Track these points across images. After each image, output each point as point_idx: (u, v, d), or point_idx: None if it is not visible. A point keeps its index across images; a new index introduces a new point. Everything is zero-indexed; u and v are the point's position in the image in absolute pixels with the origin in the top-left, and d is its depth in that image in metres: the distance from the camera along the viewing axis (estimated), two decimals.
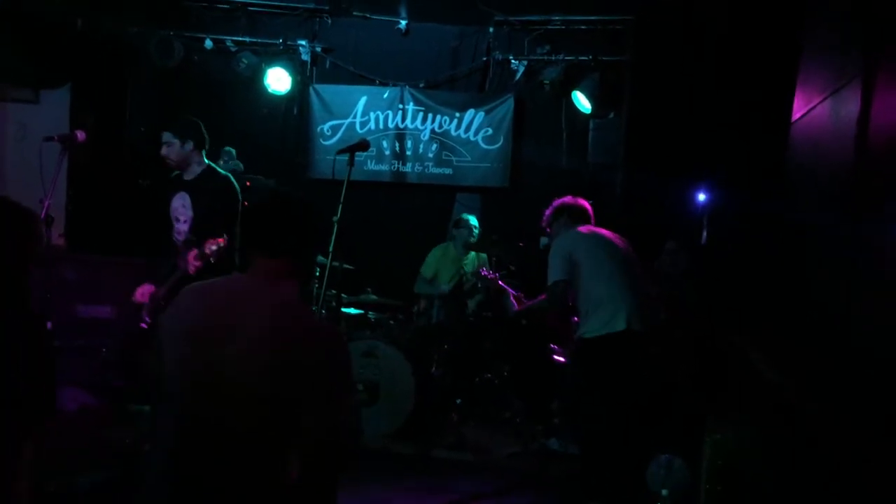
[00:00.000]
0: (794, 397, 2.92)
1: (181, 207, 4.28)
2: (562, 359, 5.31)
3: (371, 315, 5.92)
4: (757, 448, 3.55)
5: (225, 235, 3.90)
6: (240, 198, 4.30)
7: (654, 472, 4.36)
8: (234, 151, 6.47)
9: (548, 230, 4.77)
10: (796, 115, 3.17)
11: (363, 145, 3.83)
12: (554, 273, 4.39)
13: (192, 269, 3.89)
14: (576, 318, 4.52)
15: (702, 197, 4.50)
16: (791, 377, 3.02)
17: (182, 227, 4.25)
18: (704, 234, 5.27)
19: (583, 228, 4.52)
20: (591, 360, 4.34)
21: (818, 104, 2.98)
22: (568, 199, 4.70)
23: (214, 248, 3.83)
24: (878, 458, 2.25)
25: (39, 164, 3.79)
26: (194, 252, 3.88)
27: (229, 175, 4.39)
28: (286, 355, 2.04)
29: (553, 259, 4.46)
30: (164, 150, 4.29)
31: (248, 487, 2.03)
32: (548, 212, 4.72)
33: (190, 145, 4.27)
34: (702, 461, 4.05)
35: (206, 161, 4.39)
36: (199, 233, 4.08)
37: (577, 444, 5.19)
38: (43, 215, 3.81)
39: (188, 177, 4.32)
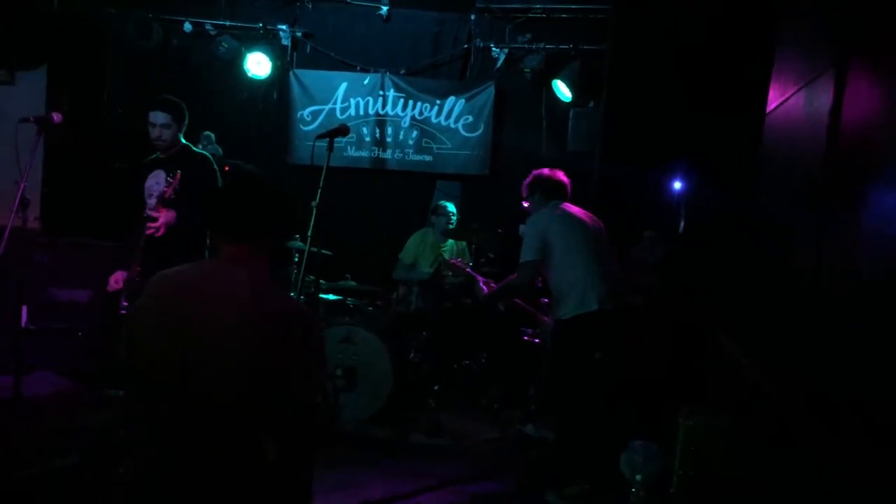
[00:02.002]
0: (766, 384, 2.96)
1: (154, 185, 4.28)
2: (536, 340, 5.34)
3: (350, 301, 5.93)
4: (729, 434, 3.60)
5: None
6: (217, 176, 4.31)
7: (629, 457, 4.41)
8: (213, 136, 6.43)
9: (525, 203, 4.76)
10: (771, 106, 3.21)
11: (343, 130, 3.83)
12: (527, 252, 4.44)
13: (150, 231, 4.04)
14: (546, 300, 4.55)
15: (678, 185, 4.54)
16: (763, 365, 3.07)
17: (152, 202, 4.23)
18: (682, 223, 5.32)
19: (557, 209, 4.54)
20: (567, 340, 4.40)
21: (792, 95, 3.02)
22: (545, 171, 4.69)
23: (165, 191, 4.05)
24: (846, 443, 2.29)
25: (15, 145, 3.75)
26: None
27: (206, 153, 4.41)
28: (261, 338, 2.05)
29: (527, 238, 4.50)
30: (157, 132, 4.29)
31: (227, 469, 2.05)
32: (526, 181, 4.72)
33: (182, 127, 4.33)
34: (675, 447, 4.11)
35: (183, 140, 4.41)
36: (174, 204, 4.11)
37: (553, 429, 5.24)
38: (18, 198, 3.79)
39: (164, 155, 4.34)
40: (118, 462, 2.19)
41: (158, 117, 4.31)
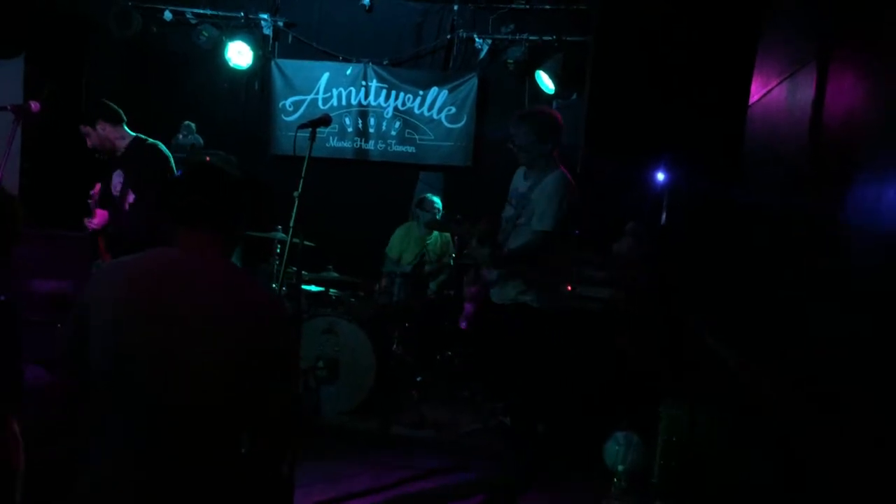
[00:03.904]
0: (747, 376, 2.98)
1: (118, 185, 4.35)
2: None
3: (332, 292, 5.91)
4: (710, 425, 3.63)
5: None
6: (170, 163, 4.35)
7: (611, 448, 4.44)
8: (193, 126, 6.38)
9: (523, 149, 4.05)
10: (753, 98, 3.22)
11: (325, 120, 3.80)
12: (547, 219, 3.87)
13: (93, 226, 4.32)
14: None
15: (661, 176, 4.55)
16: (745, 357, 3.08)
17: (117, 203, 4.33)
18: (664, 215, 5.33)
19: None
20: (551, 333, 4.26)
21: (774, 87, 3.03)
22: (557, 114, 4.16)
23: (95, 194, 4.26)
24: (829, 435, 2.31)
25: None
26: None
27: (157, 143, 4.44)
28: (238, 327, 2.02)
29: (552, 201, 3.88)
30: (88, 144, 4.37)
31: (203, 460, 2.02)
32: (539, 119, 4.07)
33: (103, 126, 4.35)
34: (656, 438, 4.14)
35: (130, 133, 4.42)
36: (132, 203, 4.21)
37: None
38: None
39: (119, 153, 4.39)
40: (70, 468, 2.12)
41: (81, 131, 4.43)
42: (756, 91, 3.20)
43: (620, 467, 4.29)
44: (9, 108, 3.85)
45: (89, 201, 4.31)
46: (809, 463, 2.39)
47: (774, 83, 3.01)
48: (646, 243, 5.41)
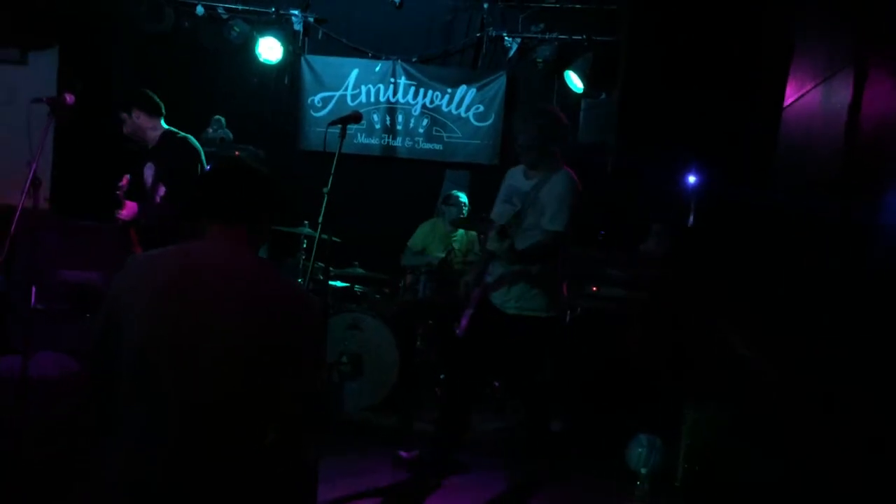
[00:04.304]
0: (773, 380, 2.96)
1: (150, 177, 4.40)
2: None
3: (357, 288, 5.93)
4: (734, 428, 3.60)
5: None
6: (200, 156, 4.40)
7: (634, 450, 4.42)
8: (223, 120, 6.43)
9: (527, 148, 4.04)
10: (788, 101, 3.19)
11: (355, 117, 3.82)
12: (561, 219, 3.88)
13: (124, 217, 4.34)
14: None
15: (692, 179, 4.52)
16: (772, 361, 3.06)
17: (148, 194, 4.38)
18: (692, 216, 5.30)
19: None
20: (552, 338, 4.27)
21: (809, 91, 3.00)
22: (562, 113, 4.19)
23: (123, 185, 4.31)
24: (853, 439, 2.29)
25: (27, 126, 3.75)
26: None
27: (188, 136, 4.48)
28: (265, 318, 2.04)
29: (565, 202, 3.90)
30: (124, 130, 4.42)
31: (228, 451, 2.03)
32: (547, 118, 4.05)
33: (138, 115, 4.40)
34: (680, 440, 4.12)
35: (164, 126, 4.46)
36: (164, 195, 4.26)
37: (560, 421, 5.25)
38: (30, 179, 3.79)
39: (151, 145, 4.43)
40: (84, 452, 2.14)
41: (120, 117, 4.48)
42: (791, 93, 3.17)
43: (643, 470, 4.27)
44: (44, 100, 3.88)
45: (118, 192, 4.36)
46: (833, 469, 2.37)
47: (810, 87, 2.98)
48: (671, 244, 5.39)
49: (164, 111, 4.52)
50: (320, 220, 3.59)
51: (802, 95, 3.06)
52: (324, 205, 3.56)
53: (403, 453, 4.39)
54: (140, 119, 4.42)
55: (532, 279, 3.98)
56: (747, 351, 3.36)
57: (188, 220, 4.25)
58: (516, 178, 4.24)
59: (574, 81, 6.54)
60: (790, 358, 2.92)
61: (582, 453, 4.88)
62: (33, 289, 5.10)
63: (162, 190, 4.42)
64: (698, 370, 4.42)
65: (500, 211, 4.19)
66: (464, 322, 4.12)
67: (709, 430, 3.85)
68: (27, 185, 3.79)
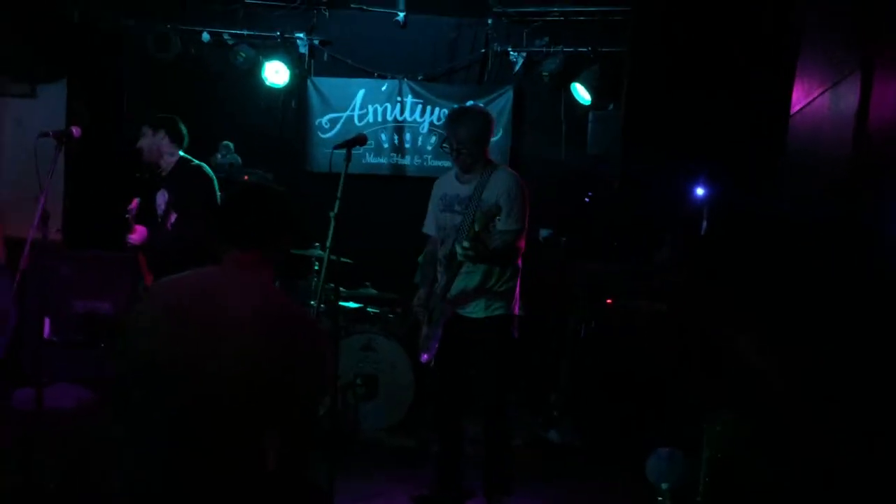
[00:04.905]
0: (787, 390, 2.92)
1: (162, 204, 4.42)
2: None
3: (370, 309, 5.91)
4: (756, 441, 3.55)
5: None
6: (214, 185, 4.42)
7: (654, 464, 4.37)
8: (231, 145, 6.45)
9: (454, 145, 3.95)
10: (795, 108, 3.15)
11: (360, 140, 3.83)
12: (522, 218, 3.89)
13: (134, 242, 4.36)
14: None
15: (700, 191, 4.49)
16: (784, 370, 3.02)
17: (161, 220, 4.40)
18: (704, 224, 5.26)
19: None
20: (515, 342, 4.16)
21: (817, 97, 2.96)
22: (489, 112, 4.24)
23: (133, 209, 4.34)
24: (873, 451, 2.25)
25: (35, 159, 3.77)
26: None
27: (202, 164, 4.50)
28: (265, 344, 2.06)
29: (519, 200, 3.89)
30: (139, 143, 4.43)
31: (228, 474, 2.05)
32: (480, 120, 3.99)
33: (163, 137, 4.44)
34: (701, 454, 4.06)
35: (181, 154, 4.49)
36: (176, 222, 4.26)
37: (577, 436, 5.20)
38: (39, 212, 3.81)
39: (164, 171, 4.46)
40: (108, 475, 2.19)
41: (141, 130, 4.52)
42: (798, 100, 3.13)
43: (664, 484, 4.21)
44: (51, 134, 3.91)
45: (127, 216, 4.37)
46: (858, 483, 2.32)
47: (817, 93, 2.95)
48: (684, 253, 5.35)
49: (186, 143, 4.55)
50: (328, 244, 3.58)
51: (810, 102, 3.03)
52: (331, 228, 3.55)
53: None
54: (162, 141, 4.46)
55: (497, 280, 3.93)
56: (760, 361, 3.31)
57: (208, 245, 4.29)
58: (449, 185, 4.13)
59: (581, 94, 6.53)
60: (800, 366, 2.87)
61: (600, 467, 4.83)
62: (46, 320, 5.13)
63: (174, 217, 4.43)
64: (717, 381, 4.37)
65: (442, 221, 4.09)
66: (434, 347, 3.95)
67: (730, 444, 3.78)
68: (37, 218, 3.81)
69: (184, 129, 4.56)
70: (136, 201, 4.44)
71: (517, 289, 4.03)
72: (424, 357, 4.01)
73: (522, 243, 3.95)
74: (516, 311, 4.05)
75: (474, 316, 3.95)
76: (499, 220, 3.72)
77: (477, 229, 3.60)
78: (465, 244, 3.65)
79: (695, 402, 4.43)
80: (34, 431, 3.93)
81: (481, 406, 4.12)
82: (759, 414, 3.46)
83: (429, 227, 4.25)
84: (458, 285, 3.93)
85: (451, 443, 4.19)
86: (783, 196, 3.45)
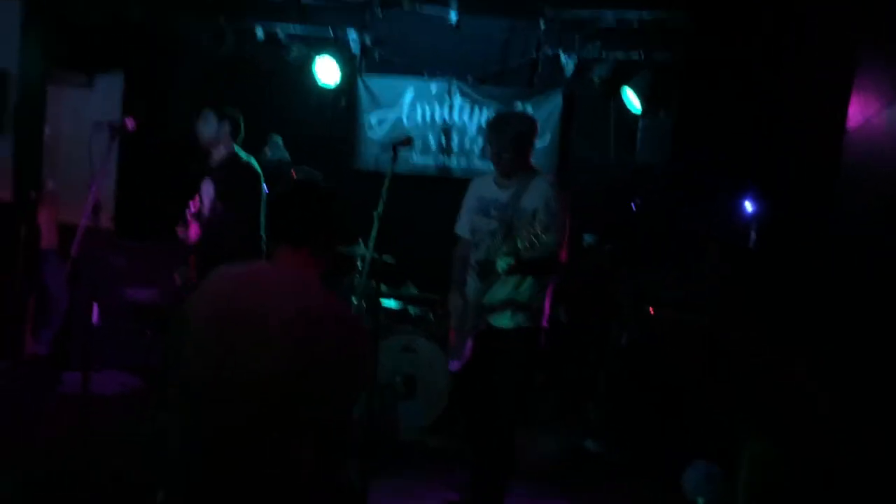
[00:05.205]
0: (833, 411, 2.85)
1: (207, 195, 4.49)
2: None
3: (411, 309, 5.93)
4: (796, 463, 3.48)
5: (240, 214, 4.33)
6: (260, 181, 4.46)
7: (691, 477, 4.31)
8: (280, 141, 6.52)
9: (494, 150, 3.90)
10: (851, 124, 3.08)
11: (406, 141, 3.84)
12: (557, 229, 3.68)
13: (187, 241, 4.38)
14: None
15: (749, 207, 4.40)
16: (833, 391, 2.95)
17: (205, 211, 4.44)
18: (752, 236, 5.17)
19: None
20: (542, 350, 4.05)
21: (875, 114, 2.89)
22: (533, 119, 4.18)
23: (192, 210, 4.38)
24: None
25: (89, 149, 3.86)
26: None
27: (251, 160, 4.55)
28: (308, 341, 2.07)
29: (561, 213, 3.78)
30: (198, 125, 4.49)
31: (264, 468, 2.06)
32: (524, 124, 3.99)
33: (226, 127, 4.52)
34: (738, 471, 3.99)
35: (235, 148, 4.55)
36: (219, 214, 4.32)
37: (615, 446, 5.15)
38: (91, 200, 3.90)
39: (214, 163, 4.52)
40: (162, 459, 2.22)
41: (204, 113, 4.60)
42: (854, 116, 3.06)
43: (700, 499, 4.16)
44: (105, 124, 4.00)
45: (187, 212, 4.44)
46: None
47: (874, 109, 2.87)
48: (730, 266, 5.26)
49: (241, 140, 4.62)
50: (371, 244, 3.61)
51: (867, 119, 2.95)
52: (375, 227, 3.58)
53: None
54: (222, 131, 4.52)
55: (527, 292, 3.83)
56: (809, 383, 3.24)
57: (248, 239, 4.35)
58: (487, 187, 4.03)
59: (632, 100, 6.46)
60: (855, 389, 2.81)
61: (635, 479, 4.79)
62: (95, 306, 5.25)
63: (219, 209, 4.49)
64: (760, 398, 4.29)
65: (477, 225, 4.01)
66: (465, 356, 3.86)
67: (769, 465, 3.71)
68: (88, 206, 3.90)
69: (243, 126, 4.63)
70: (197, 199, 4.49)
71: (546, 301, 3.93)
72: (455, 365, 3.94)
73: (564, 255, 3.83)
74: (544, 323, 3.94)
75: (501, 326, 3.85)
76: (540, 233, 3.58)
77: (520, 247, 3.52)
78: (509, 260, 3.57)
79: (733, 419, 4.36)
80: (81, 416, 4.01)
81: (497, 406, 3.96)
82: (803, 440, 3.39)
83: (462, 229, 4.17)
84: (490, 294, 3.84)
85: (484, 452, 4.08)
86: (838, 213, 3.37)
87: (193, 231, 4.39)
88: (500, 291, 3.81)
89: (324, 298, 2.20)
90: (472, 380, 3.96)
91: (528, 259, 3.59)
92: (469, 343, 3.85)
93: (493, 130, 3.95)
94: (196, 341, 2.13)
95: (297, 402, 2.05)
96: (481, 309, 3.84)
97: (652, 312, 5.42)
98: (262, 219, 4.48)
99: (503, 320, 3.83)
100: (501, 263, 3.61)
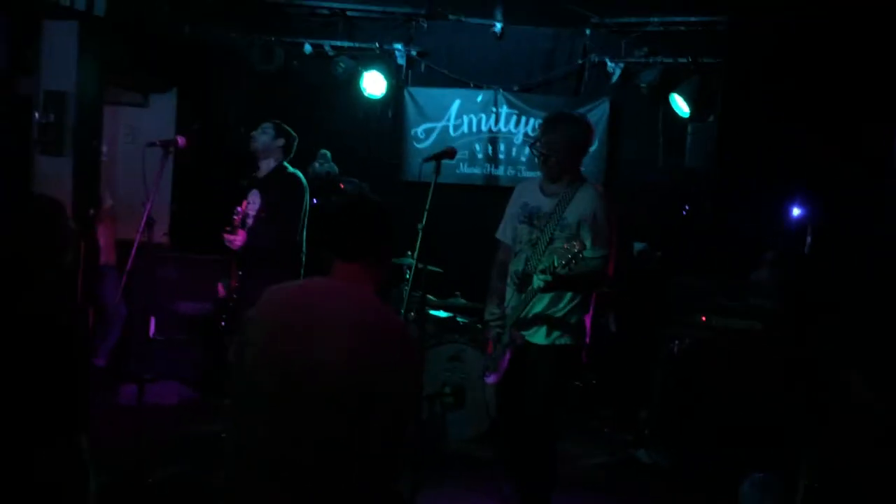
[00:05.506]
0: (889, 419, 2.77)
1: (253, 206, 4.57)
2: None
3: (459, 319, 5.93)
4: (856, 476, 3.38)
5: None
6: (305, 195, 4.53)
7: (749, 490, 4.22)
8: (329, 154, 6.60)
9: (544, 150, 3.64)
10: None
11: (449, 153, 3.82)
12: (603, 244, 3.53)
13: (233, 245, 4.42)
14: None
15: (797, 211, 4.29)
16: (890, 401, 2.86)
17: (249, 220, 4.52)
18: (808, 241, 5.05)
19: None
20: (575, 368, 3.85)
21: None
22: (591, 123, 3.91)
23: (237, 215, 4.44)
24: None
25: (142, 167, 3.96)
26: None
27: (297, 172, 4.62)
28: (362, 353, 2.09)
29: (609, 223, 3.56)
30: (256, 133, 4.59)
31: (314, 487, 2.08)
32: (578, 126, 3.71)
33: (280, 142, 4.63)
34: (798, 482, 3.89)
35: (284, 163, 4.62)
36: (263, 223, 4.38)
37: (668, 456, 5.06)
38: (145, 217, 4.00)
39: (261, 174, 4.60)
40: (220, 465, 2.26)
41: (263, 125, 4.68)
42: None
43: None
44: (157, 143, 4.11)
45: (235, 217, 4.51)
46: None
47: None
48: (786, 273, 5.15)
49: (292, 155, 4.71)
50: (415, 255, 3.63)
51: None
52: (419, 240, 3.59)
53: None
54: (274, 146, 4.62)
55: (564, 308, 3.62)
56: (868, 393, 3.15)
57: (290, 250, 4.40)
58: (531, 194, 3.80)
59: (680, 105, 6.39)
60: None
61: (688, 491, 4.70)
62: (152, 319, 5.38)
63: (263, 219, 4.54)
64: (818, 408, 4.18)
65: (519, 234, 3.78)
66: (502, 369, 3.70)
67: (829, 476, 3.61)
68: (143, 223, 4.01)
69: (295, 144, 4.72)
70: (246, 204, 4.57)
71: (588, 319, 3.71)
72: (492, 378, 3.78)
73: (611, 269, 3.60)
74: (587, 339, 3.72)
75: (537, 342, 3.64)
76: (584, 252, 3.40)
77: (556, 265, 3.34)
78: (546, 278, 3.37)
79: (794, 428, 4.25)
80: (136, 426, 4.10)
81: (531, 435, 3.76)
82: (859, 449, 3.29)
83: (503, 234, 3.94)
84: (531, 308, 3.65)
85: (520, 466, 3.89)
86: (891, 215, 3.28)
87: (241, 238, 4.45)
88: (536, 306, 3.63)
89: (377, 311, 2.23)
90: (508, 393, 3.79)
91: (569, 275, 3.40)
92: (507, 356, 3.69)
93: (545, 129, 3.71)
94: (254, 354, 2.18)
95: (351, 413, 2.07)
96: (518, 322, 3.69)
97: (704, 320, 5.32)
98: (303, 231, 4.55)
99: (538, 336, 3.64)
100: (537, 281, 3.44)
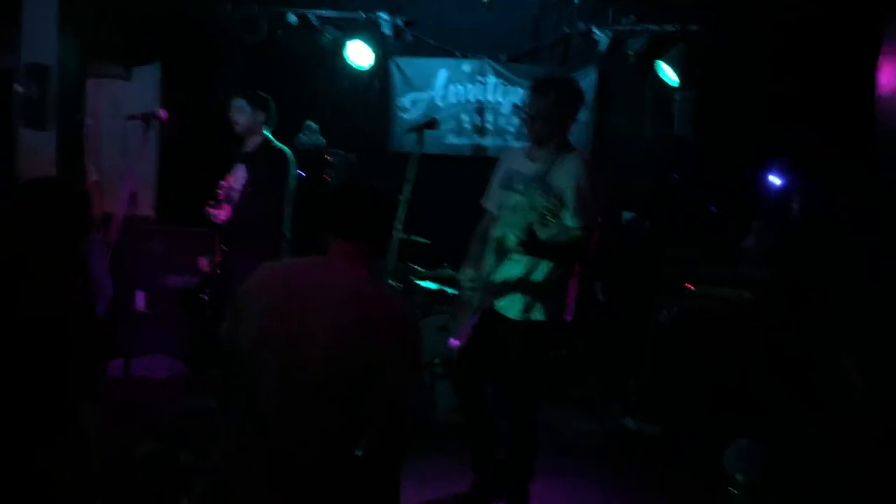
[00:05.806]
0: (870, 401, 2.79)
1: (238, 181, 4.56)
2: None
3: (448, 290, 5.93)
4: (836, 450, 3.41)
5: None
6: (292, 169, 4.51)
7: (732, 455, 4.26)
8: (315, 126, 6.56)
9: (531, 113, 3.57)
10: (883, 89, 2.98)
11: (430, 124, 3.83)
12: (585, 215, 3.43)
13: (217, 220, 4.45)
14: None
15: (777, 181, 4.28)
16: (872, 374, 2.88)
17: (234, 194, 4.50)
18: (795, 208, 5.05)
19: None
20: (547, 342, 3.79)
21: None
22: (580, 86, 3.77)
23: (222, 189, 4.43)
24: None
25: (124, 140, 3.93)
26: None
27: (284, 148, 4.60)
28: (354, 331, 2.12)
29: (594, 193, 3.45)
30: (233, 114, 4.56)
31: (315, 456, 2.11)
32: (568, 89, 3.63)
33: (261, 116, 4.59)
34: (779, 451, 3.94)
35: (267, 135, 4.59)
36: (249, 197, 4.37)
37: (655, 424, 5.10)
38: (127, 190, 3.98)
39: (247, 149, 4.58)
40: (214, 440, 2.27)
41: (237, 102, 4.64)
42: (887, 80, 2.95)
43: (739, 476, 4.10)
44: (138, 116, 4.07)
45: (219, 191, 4.50)
46: None
47: None
48: (773, 242, 5.16)
49: (274, 125, 4.68)
50: (400, 224, 3.62)
51: None
52: (402, 211, 3.58)
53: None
54: (256, 120, 4.59)
55: (543, 277, 3.51)
56: (854, 373, 3.16)
57: (274, 225, 4.39)
58: (516, 160, 3.76)
59: (667, 73, 6.35)
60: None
61: (674, 457, 4.75)
62: (139, 293, 5.37)
63: (248, 193, 4.53)
64: (802, 377, 4.22)
65: (502, 198, 3.72)
66: (466, 333, 3.60)
67: (806, 444, 3.66)
68: (125, 196, 3.98)
69: (275, 114, 4.69)
70: (231, 179, 4.55)
71: (570, 293, 3.63)
72: (455, 343, 3.69)
73: (592, 242, 3.49)
74: (567, 315, 3.67)
75: (508, 315, 3.57)
76: (563, 213, 3.36)
77: (531, 221, 3.28)
78: (520, 235, 3.28)
79: (777, 396, 4.29)
80: (123, 399, 4.11)
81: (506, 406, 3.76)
82: (841, 426, 3.32)
83: (488, 202, 3.92)
84: (500, 273, 3.57)
85: (478, 433, 3.95)
86: (880, 183, 3.28)
87: (225, 212, 4.45)
88: (511, 270, 3.53)
89: (372, 289, 2.27)
90: (470, 360, 3.74)
91: (548, 241, 3.34)
92: (473, 322, 3.60)
93: (534, 92, 3.61)
94: (251, 334, 2.19)
95: (352, 390, 2.09)
96: (493, 289, 3.59)
97: (691, 288, 5.35)
98: (287, 206, 4.54)
99: (512, 310, 3.55)
100: (511, 237, 3.34)
